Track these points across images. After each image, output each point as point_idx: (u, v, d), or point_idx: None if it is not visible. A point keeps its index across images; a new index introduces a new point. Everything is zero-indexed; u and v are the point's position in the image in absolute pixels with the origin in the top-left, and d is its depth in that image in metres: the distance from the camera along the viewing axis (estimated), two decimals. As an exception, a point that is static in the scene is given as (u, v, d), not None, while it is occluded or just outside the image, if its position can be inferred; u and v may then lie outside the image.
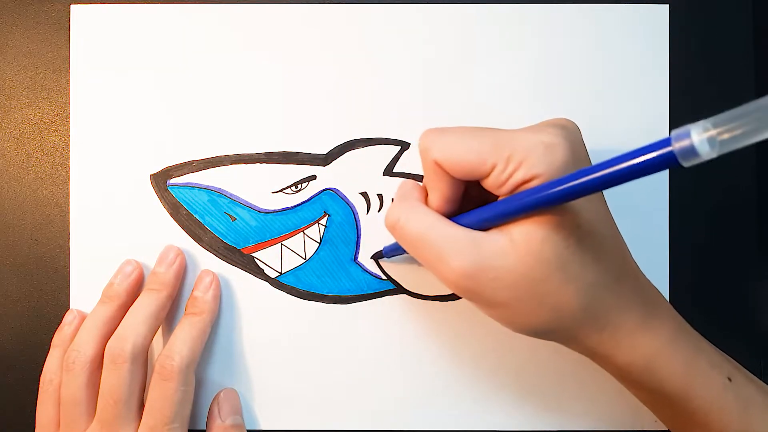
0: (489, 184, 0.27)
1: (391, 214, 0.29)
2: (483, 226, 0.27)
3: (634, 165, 0.22)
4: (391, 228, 0.29)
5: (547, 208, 0.25)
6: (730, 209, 0.35)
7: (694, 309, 0.35)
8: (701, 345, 0.29)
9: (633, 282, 0.28)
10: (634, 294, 0.28)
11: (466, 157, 0.27)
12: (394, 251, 0.34)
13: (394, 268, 0.35)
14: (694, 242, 0.35)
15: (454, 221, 0.28)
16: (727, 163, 0.35)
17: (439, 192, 0.29)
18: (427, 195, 0.30)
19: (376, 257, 0.35)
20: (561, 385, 0.35)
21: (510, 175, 0.26)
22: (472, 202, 0.29)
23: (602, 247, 0.27)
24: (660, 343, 0.27)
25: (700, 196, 0.35)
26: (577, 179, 0.23)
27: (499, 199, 0.27)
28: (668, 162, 0.21)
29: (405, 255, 0.34)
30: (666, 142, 0.21)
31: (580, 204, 0.26)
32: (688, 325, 0.29)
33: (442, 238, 0.27)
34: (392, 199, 0.33)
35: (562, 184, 0.24)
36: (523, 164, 0.25)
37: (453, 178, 0.28)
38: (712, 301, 0.35)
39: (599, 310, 0.27)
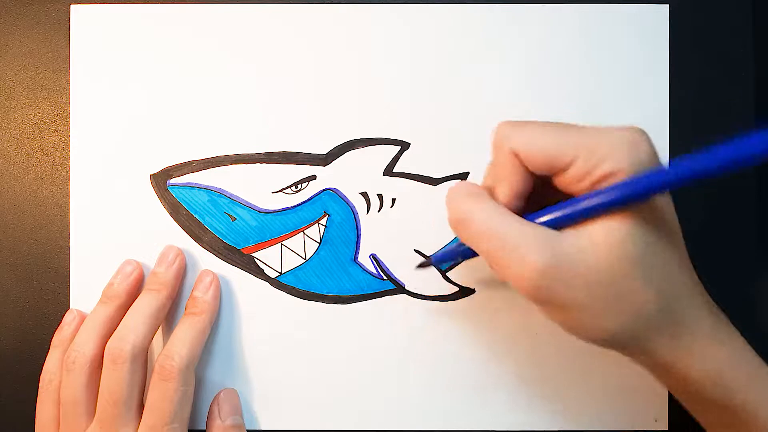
0: (567, 178, 0.26)
1: (457, 209, 0.27)
2: (558, 225, 0.26)
3: (726, 157, 0.22)
4: (458, 223, 0.27)
5: (629, 205, 0.25)
6: (730, 208, 0.35)
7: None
8: (761, 361, 0.28)
9: (702, 288, 0.27)
10: (705, 301, 0.27)
11: (547, 148, 0.26)
12: (445, 258, 0.32)
13: (394, 267, 0.35)
14: (693, 241, 0.35)
15: (526, 216, 0.27)
16: (727, 163, 0.35)
17: (509, 186, 0.27)
18: (490, 193, 0.28)
19: (424, 265, 0.34)
20: (561, 385, 0.35)
21: (593, 168, 0.25)
22: (536, 205, 0.28)
23: (679, 249, 0.27)
24: (730, 354, 0.27)
25: (700, 195, 0.35)
26: (668, 172, 0.23)
27: (575, 196, 0.26)
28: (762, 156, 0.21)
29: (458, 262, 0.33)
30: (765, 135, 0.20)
31: (661, 203, 0.26)
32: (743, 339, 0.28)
33: (519, 234, 0.26)
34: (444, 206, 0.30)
35: (652, 178, 0.24)
36: (607, 159, 0.25)
37: (527, 171, 0.27)
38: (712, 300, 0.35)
39: (678, 315, 0.26)
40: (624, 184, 0.25)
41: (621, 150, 0.25)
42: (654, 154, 0.26)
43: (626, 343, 0.27)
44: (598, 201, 0.25)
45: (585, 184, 0.26)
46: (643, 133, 0.26)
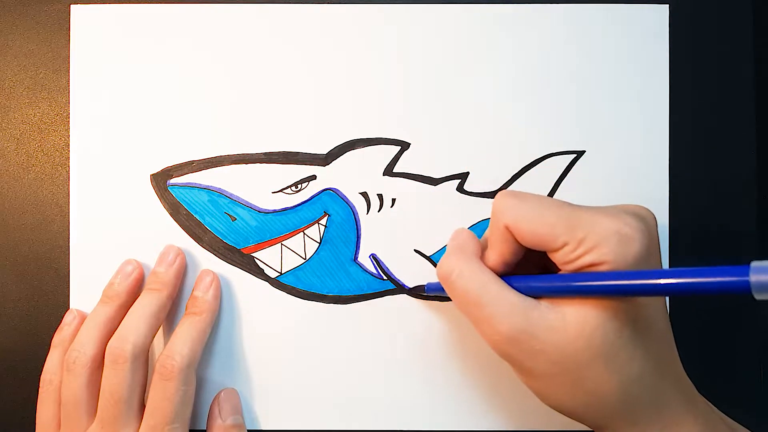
0: (556, 258, 0.27)
1: (446, 265, 0.29)
2: (536, 294, 0.27)
3: (704, 283, 0.21)
4: (444, 279, 0.29)
5: (607, 296, 0.25)
6: (729, 207, 0.35)
7: (694, 309, 0.35)
8: None
9: (673, 379, 0.28)
10: (673, 392, 0.27)
11: (538, 230, 0.26)
12: (437, 291, 0.33)
13: (394, 267, 0.35)
14: (693, 241, 0.35)
15: (506, 281, 0.28)
16: (727, 160, 0.36)
17: (500, 253, 0.29)
18: (482, 249, 0.30)
19: (416, 291, 0.35)
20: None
21: (579, 257, 0.26)
22: (528, 263, 0.29)
23: (653, 344, 0.27)
24: None
25: (700, 194, 0.35)
26: (646, 279, 0.23)
27: (561, 272, 0.27)
28: (740, 289, 0.21)
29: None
30: (743, 271, 0.20)
31: (642, 298, 0.26)
32: (723, 425, 0.28)
33: (494, 300, 0.27)
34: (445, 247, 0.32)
35: (630, 279, 0.24)
36: (594, 249, 0.25)
37: (517, 243, 0.28)
38: (712, 301, 0.35)
39: (636, 406, 0.26)
40: (599, 275, 0.25)
41: (610, 244, 0.25)
42: (647, 249, 0.25)
43: (582, 420, 0.28)
44: (578, 284, 0.25)
45: (569, 268, 0.26)
46: (637, 226, 0.26)
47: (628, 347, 0.26)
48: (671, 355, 0.28)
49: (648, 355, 0.26)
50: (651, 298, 0.27)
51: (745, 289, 0.20)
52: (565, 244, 0.26)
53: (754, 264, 0.20)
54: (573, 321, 0.26)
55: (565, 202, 0.28)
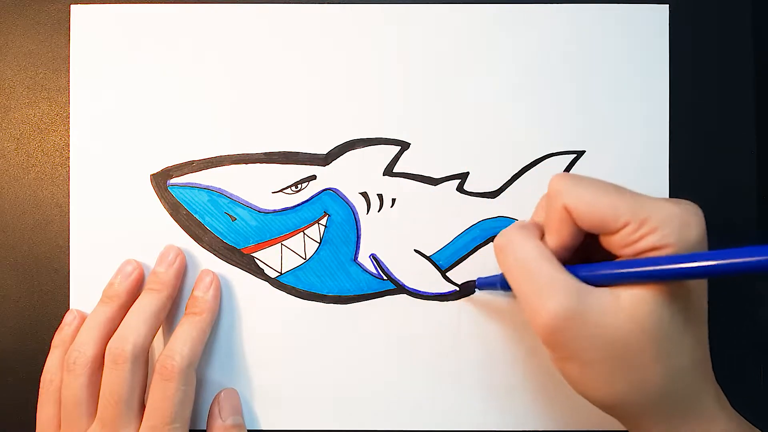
0: (614, 241, 0.26)
1: (505, 235, 0.28)
2: (593, 281, 0.27)
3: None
4: (501, 247, 0.28)
5: (665, 281, 0.25)
6: (730, 207, 0.35)
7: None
8: None
9: (710, 377, 0.27)
10: (710, 390, 0.27)
11: (600, 209, 0.26)
12: (488, 284, 0.33)
13: (394, 267, 0.35)
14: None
15: (567, 268, 0.27)
16: (727, 160, 0.36)
17: (558, 238, 0.28)
18: (542, 235, 0.29)
19: (466, 287, 0.35)
20: (562, 385, 0.35)
21: (641, 238, 0.25)
22: (581, 258, 0.29)
23: (699, 332, 0.27)
24: None
25: (700, 194, 0.35)
26: (714, 259, 0.23)
27: (618, 259, 0.27)
28: None
29: (498, 291, 0.34)
30: None
31: (696, 284, 0.26)
32: (746, 423, 0.28)
33: (548, 274, 0.26)
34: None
35: (697, 260, 0.23)
36: (657, 230, 0.25)
37: (577, 227, 0.27)
38: (712, 301, 0.35)
39: (674, 400, 0.26)
40: (664, 259, 0.24)
41: (671, 226, 0.25)
42: (704, 236, 0.26)
43: (617, 412, 0.27)
44: (638, 270, 0.25)
45: (629, 251, 0.26)
46: (696, 212, 0.26)
47: (678, 335, 0.26)
48: (707, 351, 0.28)
49: (695, 347, 0.26)
50: (700, 287, 0.27)
51: None
52: (626, 224, 0.25)
53: None
54: (627, 303, 0.25)
55: (621, 187, 0.27)
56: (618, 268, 0.26)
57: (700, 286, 0.27)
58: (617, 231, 0.26)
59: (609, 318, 0.25)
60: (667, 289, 0.25)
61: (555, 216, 0.28)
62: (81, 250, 0.35)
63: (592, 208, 0.26)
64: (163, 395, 0.31)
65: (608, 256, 0.28)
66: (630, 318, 0.25)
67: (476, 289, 0.34)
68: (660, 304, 0.25)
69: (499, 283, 0.31)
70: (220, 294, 0.35)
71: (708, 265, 0.23)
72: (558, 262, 0.27)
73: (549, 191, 0.28)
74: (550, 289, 0.26)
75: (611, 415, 0.28)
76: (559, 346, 0.27)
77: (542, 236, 0.29)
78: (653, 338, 0.25)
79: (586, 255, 0.29)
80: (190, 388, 0.32)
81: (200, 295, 0.34)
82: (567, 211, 0.27)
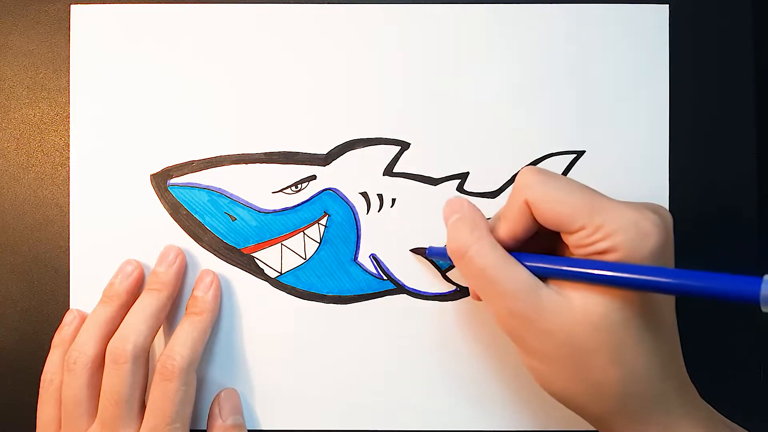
0: (568, 240, 0.27)
1: (460, 243, 0.28)
2: (543, 275, 0.27)
3: (715, 288, 0.22)
4: (458, 257, 0.29)
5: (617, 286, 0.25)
6: (729, 207, 0.35)
7: (694, 310, 0.35)
8: None
9: (676, 381, 0.27)
10: (675, 393, 0.27)
11: (559, 210, 0.26)
12: (439, 256, 0.33)
13: (394, 267, 0.35)
14: (693, 241, 0.35)
15: (515, 257, 0.28)
16: (727, 160, 0.36)
17: (513, 228, 0.28)
18: (488, 224, 0.29)
19: (417, 252, 0.35)
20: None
21: (594, 242, 0.26)
22: (534, 243, 0.29)
23: (660, 342, 0.26)
24: None
25: (700, 194, 0.35)
26: (656, 276, 0.23)
27: (570, 256, 0.27)
28: (749, 299, 0.21)
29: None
30: (755, 283, 0.21)
31: (653, 295, 0.26)
32: (727, 429, 0.28)
33: (506, 278, 0.27)
34: (446, 220, 0.31)
35: (641, 273, 0.24)
36: (610, 237, 0.25)
37: (533, 221, 0.28)
38: (712, 301, 0.35)
39: (637, 402, 0.26)
40: (613, 266, 0.25)
41: (624, 233, 0.25)
42: (663, 246, 0.25)
43: (584, 412, 0.28)
44: (588, 271, 0.25)
45: (580, 252, 0.26)
46: (657, 221, 0.26)
47: (634, 340, 0.26)
48: (676, 356, 0.28)
49: (654, 352, 0.26)
50: (662, 297, 0.27)
51: (755, 300, 0.21)
52: (582, 228, 0.26)
53: (767, 277, 0.21)
54: (579, 306, 0.26)
55: (588, 187, 0.27)
56: (560, 264, 0.26)
57: (662, 297, 0.27)
58: (573, 233, 0.26)
59: (563, 317, 0.26)
60: (621, 294, 0.25)
61: (515, 207, 0.28)
62: (81, 250, 0.35)
63: (554, 208, 0.26)
64: (164, 395, 0.31)
65: (556, 242, 0.29)
66: (583, 319, 0.26)
67: (429, 255, 0.34)
68: (612, 308, 0.25)
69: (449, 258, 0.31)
70: (220, 294, 0.35)
71: (637, 278, 0.24)
72: (512, 258, 0.27)
73: (515, 183, 0.28)
74: (508, 290, 0.27)
75: (579, 415, 0.28)
76: (522, 343, 0.28)
77: (490, 228, 0.29)
78: (607, 341, 0.25)
79: (544, 241, 0.29)
80: (191, 389, 0.32)
81: (200, 295, 0.34)
82: (527, 205, 0.27)
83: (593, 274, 0.25)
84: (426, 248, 0.34)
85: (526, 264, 0.27)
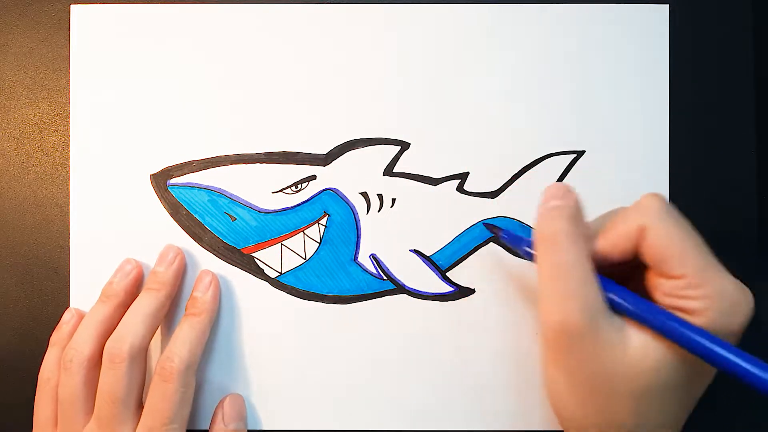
0: (660, 283, 0.26)
1: (555, 228, 0.27)
2: (619, 309, 0.26)
3: None
4: (546, 240, 0.27)
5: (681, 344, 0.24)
6: (730, 207, 0.35)
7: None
8: None
9: None
10: None
11: (671, 250, 0.25)
12: (513, 242, 0.31)
13: (394, 267, 0.35)
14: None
15: (600, 278, 0.26)
16: (727, 160, 0.36)
17: (612, 246, 0.27)
18: (590, 232, 0.28)
19: (492, 229, 0.33)
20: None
21: (686, 297, 0.25)
22: (616, 267, 0.28)
23: (683, 405, 0.26)
24: None
25: (700, 194, 0.35)
26: (732, 355, 0.23)
27: (649, 295, 0.26)
28: None
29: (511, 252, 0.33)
30: None
31: (707, 368, 0.26)
32: None
33: (580, 286, 0.26)
34: (543, 207, 0.29)
35: (718, 347, 0.23)
36: (705, 298, 0.24)
37: (635, 250, 0.26)
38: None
39: None
40: (693, 328, 0.24)
41: (720, 301, 0.24)
42: (743, 327, 0.25)
43: None
44: (664, 323, 0.25)
45: (666, 300, 0.25)
46: (749, 302, 0.25)
47: (665, 399, 0.25)
48: (685, 416, 0.27)
49: (674, 413, 0.26)
50: (708, 367, 0.26)
51: None
52: (682, 277, 0.25)
53: None
54: (636, 348, 0.25)
55: (700, 241, 0.26)
56: (646, 312, 0.25)
57: (709, 367, 0.27)
58: (671, 278, 0.25)
59: (613, 351, 0.25)
60: (681, 356, 0.25)
61: (624, 228, 0.26)
62: (81, 250, 0.35)
63: (667, 245, 0.25)
64: (162, 396, 0.31)
65: (637, 280, 0.28)
66: (632, 362, 0.25)
67: (501, 239, 0.33)
68: (666, 364, 0.25)
69: (523, 251, 0.30)
70: (220, 294, 0.35)
71: (722, 355, 0.23)
72: (592, 272, 0.26)
73: (638, 204, 0.27)
74: (573, 299, 0.25)
75: None
76: (554, 351, 0.27)
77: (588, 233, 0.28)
78: (643, 392, 0.25)
79: (627, 269, 0.28)
80: (189, 390, 0.32)
81: (199, 295, 0.34)
82: (641, 231, 0.26)
83: (678, 330, 0.24)
84: (501, 229, 0.33)
85: (609, 294, 0.26)
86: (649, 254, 0.26)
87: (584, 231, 0.27)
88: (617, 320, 0.26)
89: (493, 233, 0.34)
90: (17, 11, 0.36)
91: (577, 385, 0.26)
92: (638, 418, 0.26)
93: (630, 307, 0.26)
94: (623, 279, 0.28)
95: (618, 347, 0.25)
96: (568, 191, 0.28)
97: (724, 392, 0.34)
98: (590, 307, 0.25)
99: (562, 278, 0.26)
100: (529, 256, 0.30)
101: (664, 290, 0.26)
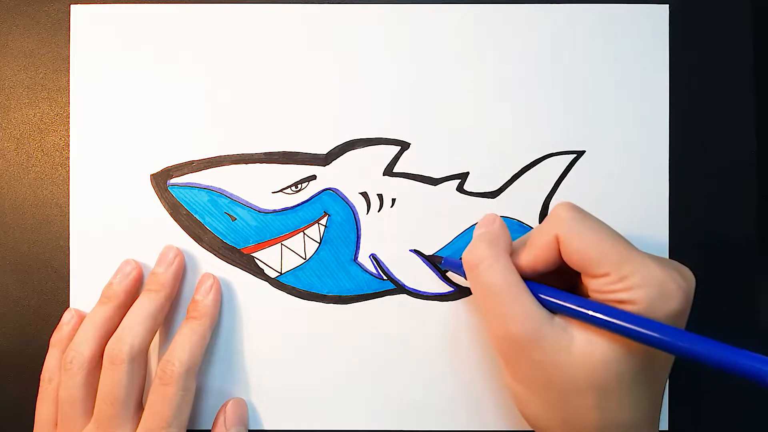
0: (590, 283, 0.27)
1: (477, 253, 0.29)
2: (555, 310, 0.27)
3: (728, 362, 0.22)
4: (471, 267, 0.29)
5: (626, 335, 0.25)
6: (730, 207, 0.35)
7: (695, 310, 0.35)
8: None
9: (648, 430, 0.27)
10: None
11: (587, 252, 0.26)
12: (453, 268, 0.33)
13: (394, 267, 0.35)
14: (694, 242, 0.35)
15: (529, 286, 0.28)
16: (727, 160, 0.35)
17: (534, 259, 0.28)
18: (511, 246, 0.29)
19: (432, 259, 0.35)
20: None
21: (614, 291, 0.26)
22: (551, 275, 0.29)
23: (647, 398, 0.27)
24: None
25: (700, 194, 0.35)
26: (674, 338, 0.23)
27: (588, 297, 0.27)
28: (758, 378, 0.22)
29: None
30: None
31: (657, 351, 0.26)
32: None
33: (514, 301, 0.27)
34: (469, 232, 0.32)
35: (660, 332, 0.24)
36: (633, 290, 0.25)
37: (558, 258, 0.28)
38: (712, 302, 0.35)
39: None
40: (636, 319, 0.25)
41: (647, 288, 0.25)
42: (683, 308, 0.25)
43: None
44: (605, 318, 0.25)
45: (599, 297, 0.26)
46: (682, 284, 0.26)
47: (624, 391, 0.26)
48: (656, 411, 0.28)
49: (638, 406, 0.26)
50: (665, 355, 0.27)
51: (763, 379, 0.21)
52: (606, 274, 0.26)
53: None
54: (581, 346, 0.26)
55: (619, 235, 0.27)
56: (575, 303, 0.26)
57: (663, 355, 0.27)
58: (596, 277, 0.26)
59: (561, 353, 0.26)
60: (626, 345, 0.25)
61: (543, 239, 0.28)
62: (81, 250, 0.35)
63: (582, 248, 0.26)
64: (162, 399, 0.31)
65: (575, 286, 0.29)
66: (580, 360, 0.26)
67: (442, 266, 0.34)
68: (613, 356, 0.25)
69: (464, 275, 0.31)
70: (221, 298, 0.35)
71: (654, 336, 0.24)
72: (523, 284, 0.28)
73: (550, 215, 0.28)
74: (512, 314, 0.27)
75: None
76: (511, 365, 0.28)
77: (511, 251, 0.29)
78: (598, 386, 0.26)
79: (561, 276, 0.29)
80: (189, 393, 0.32)
81: (200, 299, 0.34)
82: (557, 240, 0.27)
83: (611, 321, 0.25)
84: (442, 258, 0.34)
85: (540, 295, 0.27)
86: (570, 260, 0.27)
87: (506, 250, 0.29)
88: (557, 321, 0.27)
89: (434, 262, 0.35)
90: (17, 11, 0.36)
91: (536, 392, 0.27)
92: (601, 415, 0.26)
93: (563, 304, 0.27)
94: (563, 286, 0.29)
95: (564, 348, 0.26)
96: (494, 219, 0.31)
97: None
98: (528, 317, 0.27)
99: (495, 297, 0.27)
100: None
101: (595, 290, 0.26)
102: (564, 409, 0.26)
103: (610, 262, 0.26)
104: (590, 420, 0.26)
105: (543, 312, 0.27)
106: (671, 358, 0.28)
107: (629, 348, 0.25)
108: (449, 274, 0.35)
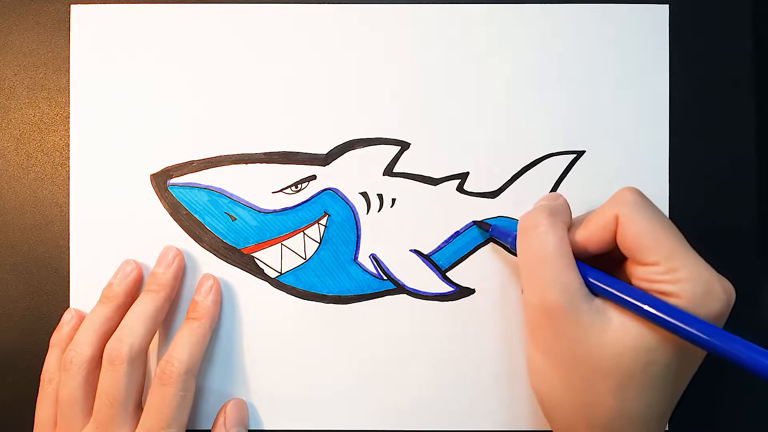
0: (635, 269, 0.27)
1: (534, 218, 0.29)
2: (596, 291, 0.27)
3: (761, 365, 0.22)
4: (525, 228, 0.29)
5: (665, 329, 0.25)
6: (730, 207, 0.35)
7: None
8: None
9: (654, 427, 0.27)
10: None
11: (642, 238, 0.26)
12: (502, 236, 0.33)
13: (394, 267, 0.35)
14: (693, 241, 0.35)
15: (580, 265, 0.28)
16: (727, 160, 0.35)
17: (589, 237, 0.28)
18: (570, 222, 0.30)
19: (481, 225, 0.34)
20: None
21: (660, 282, 0.26)
22: (599, 259, 0.29)
23: (667, 393, 0.27)
24: None
25: (700, 194, 0.35)
26: (713, 337, 0.23)
27: (631, 283, 0.27)
28: None
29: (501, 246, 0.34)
30: None
31: (689, 349, 0.26)
32: None
33: (559, 269, 0.27)
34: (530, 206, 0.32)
35: (699, 329, 0.24)
36: (679, 283, 0.25)
37: (612, 240, 0.28)
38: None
39: None
40: (664, 306, 0.25)
41: (694, 285, 0.25)
42: (723, 313, 0.26)
43: (554, 420, 0.28)
44: (648, 309, 0.25)
45: (644, 285, 0.26)
46: (727, 289, 0.26)
47: (644, 385, 0.26)
48: (669, 408, 0.28)
49: (653, 404, 0.26)
50: (697, 353, 0.27)
51: None
52: (655, 264, 0.26)
53: None
54: (615, 329, 0.26)
55: (677, 230, 0.27)
56: (620, 290, 0.26)
57: (693, 354, 0.27)
58: (645, 265, 0.26)
59: (593, 334, 0.26)
60: (661, 337, 0.25)
61: (602, 218, 0.28)
62: (81, 250, 0.35)
63: (640, 233, 0.26)
64: (162, 400, 0.31)
65: (618, 272, 0.28)
66: (611, 342, 0.26)
67: (490, 234, 0.34)
68: (645, 345, 0.25)
69: (510, 244, 0.32)
70: (221, 299, 0.35)
71: (694, 333, 0.24)
72: (573, 259, 0.28)
73: (614, 196, 0.28)
74: (555, 281, 0.27)
75: (546, 418, 0.28)
76: (539, 334, 0.28)
77: (569, 228, 0.29)
78: (621, 373, 0.26)
79: (606, 259, 0.29)
80: (189, 394, 0.32)
81: (200, 300, 0.34)
82: (616, 221, 0.27)
83: (656, 314, 0.25)
84: (490, 225, 0.34)
85: (589, 278, 0.27)
86: (624, 242, 0.27)
87: (565, 223, 0.29)
88: (597, 302, 0.27)
89: (482, 228, 0.35)
90: (17, 11, 0.36)
91: (557, 366, 0.27)
92: (616, 403, 0.26)
93: (607, 288, 0.27)
94: (605, 271, 0.29)
95: (597, 327, 0.26)
96: (558, 196, 0.31)
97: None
98: (570, 290, 0.27)
99: (542, 263, 0.27)
100: (515, 248, 0.31)
101: (640, 276, 0.27)
102: (581, 388, 0.26)
103: (662, 252, 0.26)
104: (603, 405, 0.26)
105: (585, 290, 0.27)
106: (698, 362, 0.28)
107: (662, 342, 0.25)
108: (449, 274, 0.35)
